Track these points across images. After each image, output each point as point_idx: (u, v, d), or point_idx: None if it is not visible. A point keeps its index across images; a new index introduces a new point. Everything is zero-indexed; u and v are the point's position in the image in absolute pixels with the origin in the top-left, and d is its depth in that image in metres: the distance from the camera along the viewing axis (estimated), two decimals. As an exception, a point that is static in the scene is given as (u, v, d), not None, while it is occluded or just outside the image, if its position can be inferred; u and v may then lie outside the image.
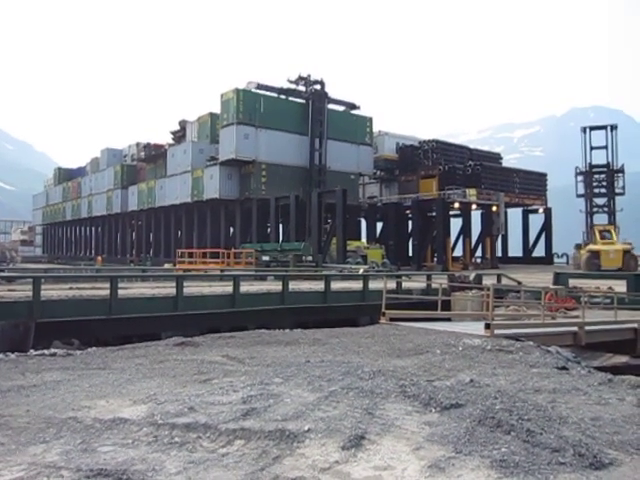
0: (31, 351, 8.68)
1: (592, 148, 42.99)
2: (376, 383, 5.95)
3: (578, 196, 43.17)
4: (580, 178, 43.28)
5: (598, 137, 43.46)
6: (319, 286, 16.04)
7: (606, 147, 42.68)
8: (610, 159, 42.42)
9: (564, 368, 7.55)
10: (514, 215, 49.69)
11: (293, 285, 15.72)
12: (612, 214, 41.81)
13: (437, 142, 48.93)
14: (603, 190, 42.79)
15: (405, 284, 18.10)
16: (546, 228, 47.77)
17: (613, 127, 42.68)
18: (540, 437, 4.29)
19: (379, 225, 46.94)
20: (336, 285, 16.85)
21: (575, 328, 11.73)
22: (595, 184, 42.73)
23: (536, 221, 49.06)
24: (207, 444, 4.14)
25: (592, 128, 43.59)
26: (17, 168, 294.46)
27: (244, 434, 4.29)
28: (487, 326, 10.20)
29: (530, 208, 48.91)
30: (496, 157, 55.18)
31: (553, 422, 4.72)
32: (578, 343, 11.54)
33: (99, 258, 51.70)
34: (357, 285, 17.06)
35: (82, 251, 67.85)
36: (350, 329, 11.26)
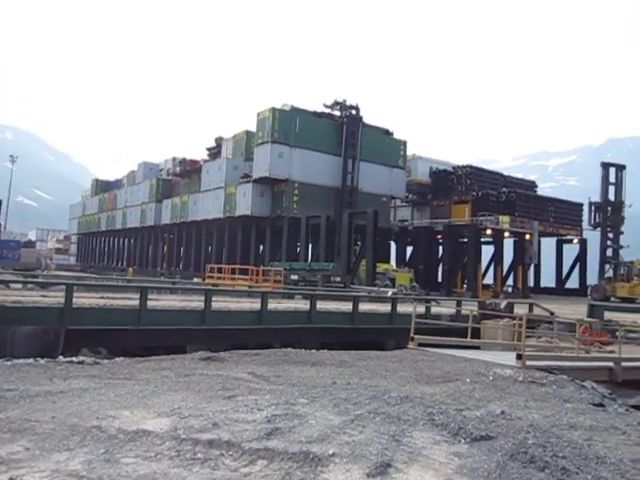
0: (60, 357, 8.76)
1: (609, 184, 44.56)
2: (403, 409, 5.80)
3: (590, 225, 45.13)
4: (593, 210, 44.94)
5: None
6: (347, 307, 15.91)
7: (615, 184, 44.63)
8: (615, 196, 44.51)
9: (600, 405, 7.25)
10: (548, 244, 48.69)
11: (321, 305, 15.62)
12: (617, 250, 43.37)
13: (471, 167, 48.55)
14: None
15: (434, 309, 17.82)
16: (580, 259, 46.74)
17: (622, 167, 44.93)
18: (576, 477, 4.10)
19: (409, 249, 46.55)
20: (364, 307, 16.68)
21: (611, 363, 11.32)
22: (609, 222, 44.18)
23: (570, 252, 48.05)
24: (230, 462, 4.06)
25: (608, 165, 45.60)
26: (56, 178, 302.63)
27: (267, 454, 4.20)
28: (519, 357, 9.93)
29: (565, 238, 47.98)
30: (531, 185, 54.41)
31: (590, 461, 4.50)
32: (614, 379, 11.11)
33: (130, 269, 52.47)
34: (385, 308, 16.86)
35: (114, 261, 68.98)
36: (377, 352, 11.10)
